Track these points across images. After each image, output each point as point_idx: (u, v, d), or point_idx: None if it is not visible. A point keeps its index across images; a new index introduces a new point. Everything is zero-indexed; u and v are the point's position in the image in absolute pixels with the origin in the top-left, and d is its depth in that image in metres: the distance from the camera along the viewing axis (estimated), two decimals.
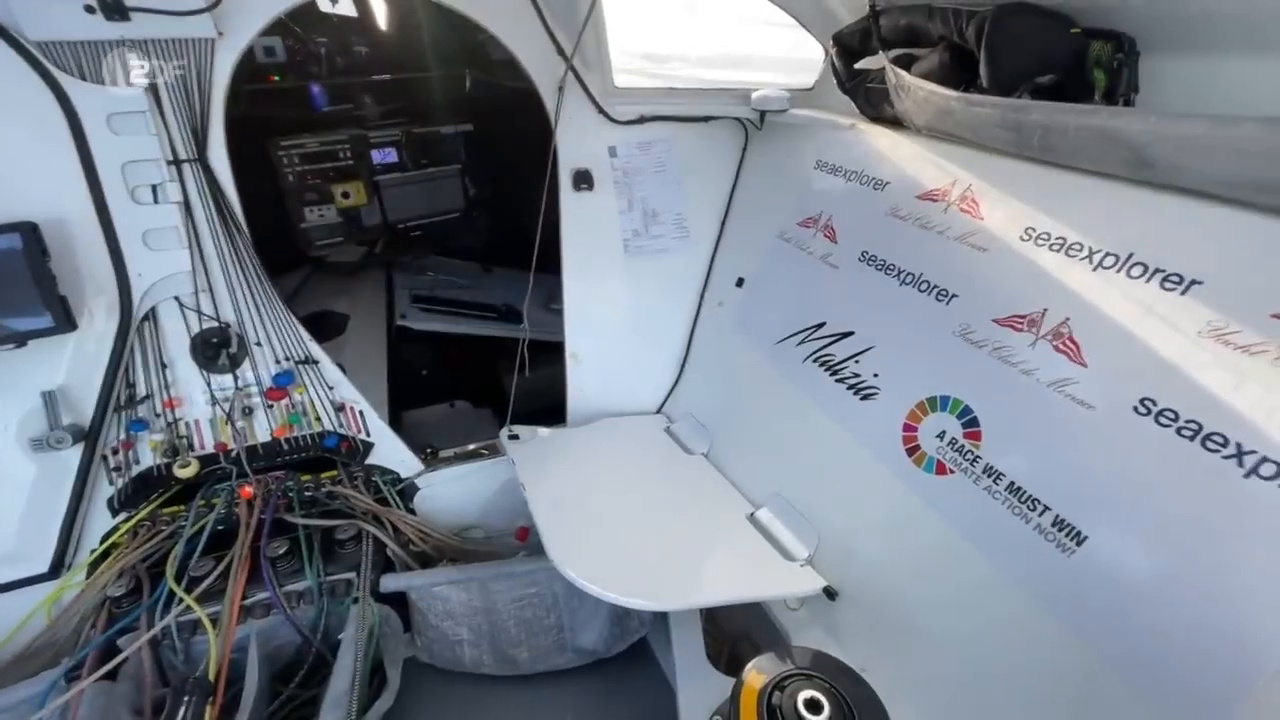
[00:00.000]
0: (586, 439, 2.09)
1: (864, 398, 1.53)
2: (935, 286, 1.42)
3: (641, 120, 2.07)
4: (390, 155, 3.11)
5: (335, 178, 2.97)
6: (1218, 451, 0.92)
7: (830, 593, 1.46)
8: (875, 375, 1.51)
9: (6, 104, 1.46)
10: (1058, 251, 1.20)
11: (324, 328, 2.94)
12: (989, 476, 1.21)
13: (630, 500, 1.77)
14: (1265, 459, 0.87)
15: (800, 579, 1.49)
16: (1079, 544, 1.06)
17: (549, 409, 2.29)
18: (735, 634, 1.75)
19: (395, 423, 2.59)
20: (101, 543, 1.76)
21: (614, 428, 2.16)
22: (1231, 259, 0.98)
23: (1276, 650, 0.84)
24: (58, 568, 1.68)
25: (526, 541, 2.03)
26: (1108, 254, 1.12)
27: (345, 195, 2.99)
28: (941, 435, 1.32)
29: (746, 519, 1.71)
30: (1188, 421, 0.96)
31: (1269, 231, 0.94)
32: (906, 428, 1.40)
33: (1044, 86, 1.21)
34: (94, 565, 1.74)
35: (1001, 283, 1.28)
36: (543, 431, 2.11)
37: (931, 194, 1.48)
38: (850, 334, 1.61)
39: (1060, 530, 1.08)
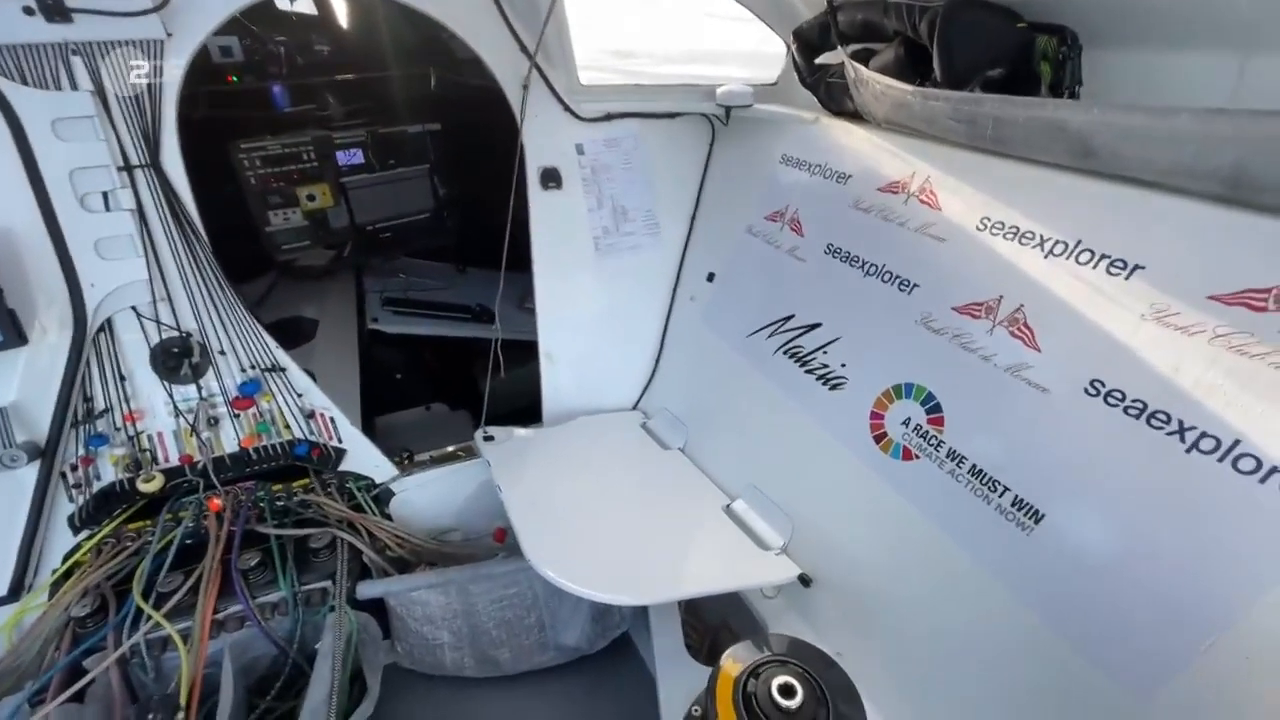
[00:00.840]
0: (563, 438, 2.09)
1: (833, 388, 1.55)
2: (898, 277, 1.45)
3: (608, 117, 2.07)
4: (356, 156, 3.05)
5: (300, 180, 2.90)
6: (1161, 429, 0.96)
7: (805, 580, 1.49)
8: (843, 365, 1.54)
9: None
10: (1011, 240, 1.24)
11: (293, 334, 2.88)
12: (952, 460, 1.25)
13: (607, 497, 1.78)
14: (1204, 434, 0.92)
15: (776, 567, 1.52)
16: (1037, 522, 1.10)
17: (526, 409, 2.29)
18: (715, 624, 1.78)
19: (369, 428, 2.56)
20: (63, 562, 1.70)
21: (590, 426, 2.16)
22: (1170, 244, 1.02)
23: (1221, 616, 0.89)
24: (17, 590, 1.63)
25: (505, 542, 2.03)
26: (1058, 241, 1.16)
27: (310, 198, 2.93)
28: (907, 422, 1.36)
29: (722, 511, 1.73)
30: (1134, 401, 1.01)
31: (1203, 216, 0.99)
32: (874, 415, 1.44)
33: (994, 80, 1.24)
34: (56, 585, 1.69)
35: (960, 272, 1.32)
36: (518, 432, 2.11)
37: (892, 186, 1.52)
38: (818, 325, 1.63)
39: (1019, 510, 1.12)
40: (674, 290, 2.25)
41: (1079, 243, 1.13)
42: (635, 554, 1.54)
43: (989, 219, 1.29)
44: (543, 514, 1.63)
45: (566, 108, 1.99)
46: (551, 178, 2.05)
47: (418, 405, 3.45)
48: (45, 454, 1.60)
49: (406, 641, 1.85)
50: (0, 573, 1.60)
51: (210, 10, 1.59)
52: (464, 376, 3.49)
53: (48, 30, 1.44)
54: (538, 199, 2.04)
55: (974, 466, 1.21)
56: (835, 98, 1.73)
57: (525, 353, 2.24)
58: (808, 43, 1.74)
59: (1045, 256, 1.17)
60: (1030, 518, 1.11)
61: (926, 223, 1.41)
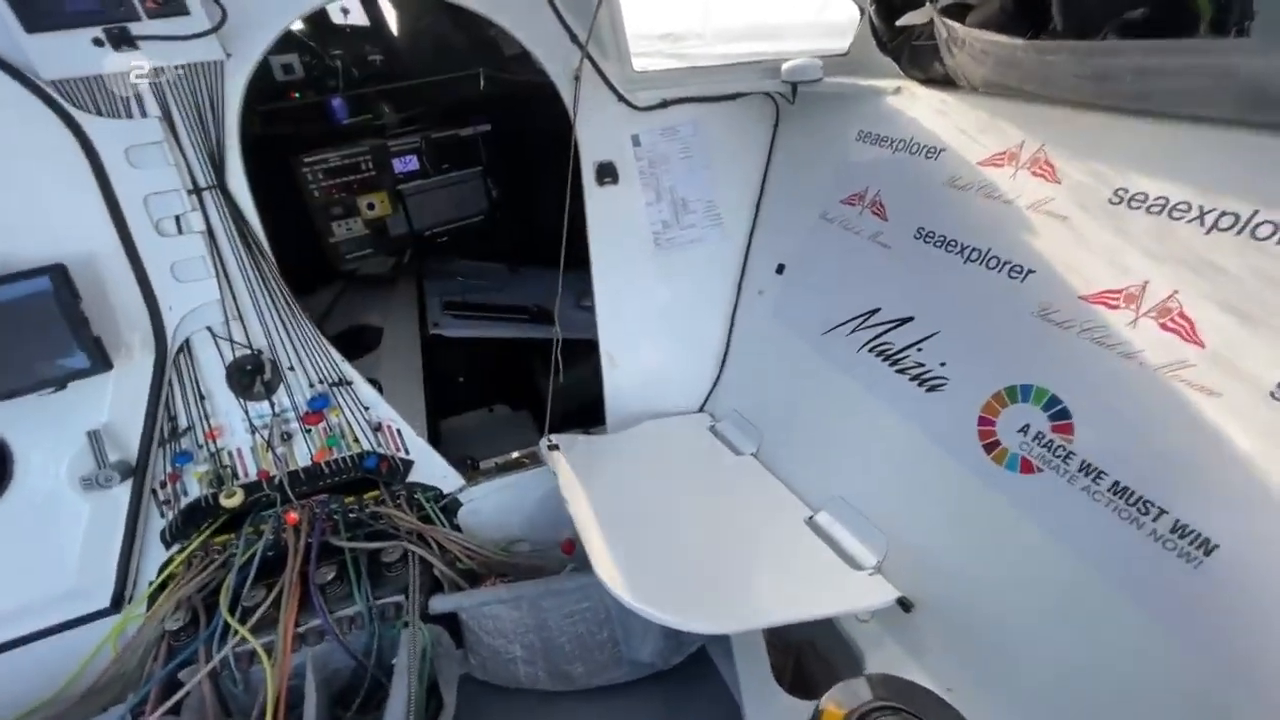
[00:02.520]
0: (628, 444, 2.01)
1: (930, 389, 1.39)
2: (1007, 262, 1.27)
3: (664, 105, 1.95)
4: (411, 163, 3.08)
5: (360, 190, 2.96)
6: None
7: (905, 604, 1.35)
8: (942, 364, 1.37)
9: (27, 146, 1.45)
10: (1159, 214, 1.04)
11: (359, 344, 2.94)
12: (1086, 475, 1.07)
13: (679, 508, 1.68)
14: None
15: (871, 590, 1.38)
16: (1207, 553, 0.91)
17: (588, 407, 2.22)
18: (799, 643, 1.65)
19: (434, 434, 2.57)
20: (159, 574, 1.77)
21: (656, 430, 2.07)
22: None
23: None
24: (119, 601, 1.71)
25: (573, 555, 1.97)
26: (1223, 213, 0.96)
27: (370, 206, 2.98)
28: (1025, 429, 1.18)
29: (805, 523, 1.60)
30: None
31: None
32: (983, 421, 1.27)
33: (1134, 22, 1.04)
34: (153, 596, 1.76)
35: (1088, 254, 1.13)
36: (583, 439, 2.04)
37: (996, 158, 1.33)
38: (909, 319, 1.47)
39: (1183, 537, 0.94)
40: (739, 284, 2.12)
41: (1255, 214, 0.93)
42: (713, 573, 1.43)
43: (1125, 191, 1.09)
44: (613, 530, 1.55)
45: (621, 98, 1.88)
46: (607, 173, 1.95)
47: (480, 407, 3.47)
48: (136, 472, 1.66)
49: (479, 654, 1.82)
50: (102, 586, 1.68)
51: (265, 27, 1.58)
52: (524, 376, 3.49)
53: (116, 59, 1.46)
54: (594, 195, 1.95)
55: (1117, 483, 1.03)
56: (921, 63, 1.54)
57: (584, 352, 2.17)
58: (887, 2, 1.56)
59: (1207, 232, 0.98)
60: (1198, 547, 0.92)
61: (1042, 198, 1.22)
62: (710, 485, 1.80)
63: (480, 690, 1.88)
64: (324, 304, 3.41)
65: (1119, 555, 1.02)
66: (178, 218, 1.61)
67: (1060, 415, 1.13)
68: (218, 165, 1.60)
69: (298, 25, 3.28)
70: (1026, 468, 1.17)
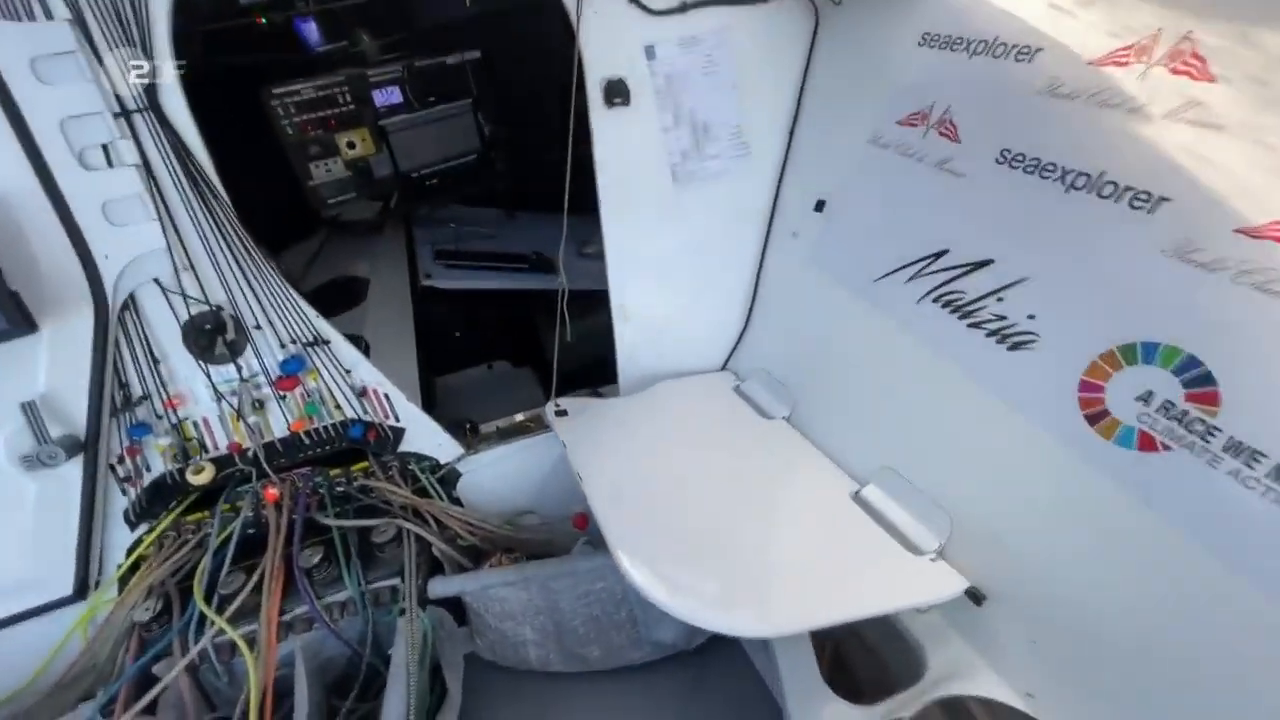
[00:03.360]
0: (645, 407, 1.79)
1: (1013, 347, 1.16)
2: (1129, 189, 1.01)
3: (683, 8, 1.63)
4: (394, 95, 2.74)
5: (338, 126, 2.64)
6: None
7: (976, 595, 1.16)
8: (1030, 317, 1.14)
9: None
10: None
11: (344, 297, 2.70)
12: (1236, 456, 0.86)
13: (705, 482, 1.48)
14: None
15: (935, 578, 1.19)
16: None
17: (595, 365, 2.00)
18: (844, 628, 1.49)
19: (429, 397, 2.37)
20: (127, 556, 1.60)
21: (675, 391, 1.85)
22: None
23: None
24: (84, 588, 1.54)
25: (587, 529, 1.80)
26: None
27: (351, 145, 2.67)
28: (1147, 397, 0.96)
29: (850, 499, 1.41)
30: None
31: None
32: (1086, 386, 1.04)
33: None
34: (125, 580, 1.59)
35: (1255, 175, 0.87)
36: (593, 403, 1.83)
37: (1119, 54, 1.05)
38: (987, 263, 1.22)
39: None
40: (769, 224, 1.85)
41: None
42: (751, 559, 1.25)
43: None
44: (633, 509, 1.36)
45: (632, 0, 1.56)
46: (617, 92, 1.65)
47: (479, 364, 3.26)
48: (86, 447, 1.45)
49: (486, 636, 1.68)
50: (61, 572, 1.51)
51: None
52: (525, 330, 3.26)
53: None
54: (602, 119, 1.65)
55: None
56: None
57: (589, 303, 1.94)
58: None
59: None
60: None
61: (1186, 102, 0.95)
62: (740, 455, 1.60)
63: (487, 670, 1.75)
64: (306, 255, 3.15)
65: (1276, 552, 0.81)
66: (105, 147, 1.34)
67: (1200, 381, 0.90)
68: (148, 83, 1.32)
69: None
70: (1147, 444, 0.96)
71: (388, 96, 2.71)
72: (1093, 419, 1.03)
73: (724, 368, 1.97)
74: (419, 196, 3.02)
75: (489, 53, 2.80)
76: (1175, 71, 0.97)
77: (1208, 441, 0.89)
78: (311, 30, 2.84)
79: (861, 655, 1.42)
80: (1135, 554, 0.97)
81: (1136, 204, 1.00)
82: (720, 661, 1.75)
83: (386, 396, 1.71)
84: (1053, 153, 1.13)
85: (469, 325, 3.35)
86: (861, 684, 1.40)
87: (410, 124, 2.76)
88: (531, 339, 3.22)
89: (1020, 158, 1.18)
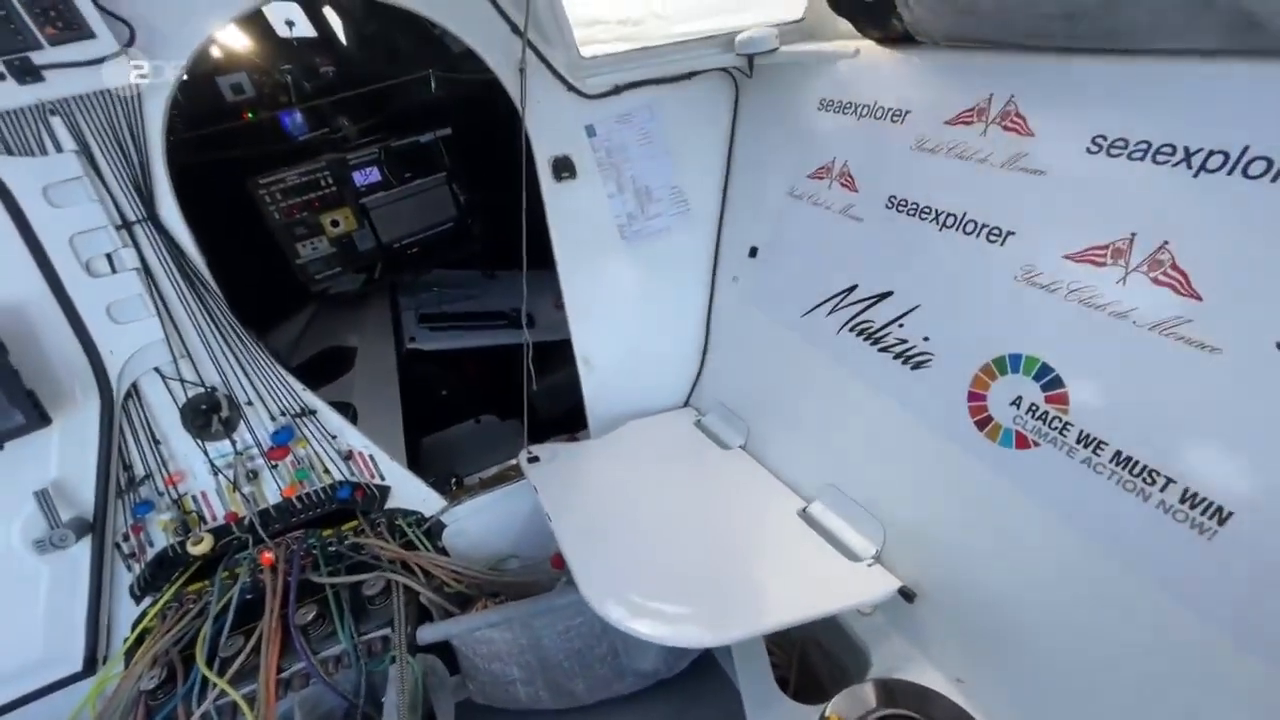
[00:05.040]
0: (611, 449, 1.93)
1: (915, 366, 1.32)
2: (984, 226, 1.19)
3: (616, 90, 1.86)
4: (373, 174, 2.98)
5: (322, 207, 2.87)
6: None
7: (907, 594, 1.28)
8: (925, 339, 1.30)
9: None
10: (1141, 160, 0.96)
11: (332, 366, 2.85)
12: (1086, 446, 1.00)
13: (667, 512, 1.61)
14: None
15: (871, 581, 1.31)
16: (1221, 523, 0.84)
17: (577, 409, 2.13)
18: (802, 641, 1.59)
19: (415, 454, 2.49)
20: (133, 630, 1.69)
21: (640, 431, 1.99)
22: None
23: None
24: (92, 663, 1.63)
25: (564, 568, 1.90)
26: (1212, 152, 0.88)
27: (335, 223, 2.89)
28: (1017, 402, 1.11)
29: (798, 516, 1.53)
30: None
31: None
32: (973, 396, 1.19)
33: None
34: (130, 653, 1.68)
35: (1070, 209, 1.05)
36: (564, 447, 1.96)
37: (965, 115, 1.24)
38: (888, 294, 1.39)
39: (1193, 507, 0.87)
40: (714, 271, 2.04)
41: (1245, 150, 0.85)
42: (706, 579, 1.36)
43: (1104, 138, 1.01)
44: (598, 544, 1.48)
45: (570, 87, 1.78)
46: (564, 167, 1.86)
47: (466, 419, 3.38)
48: (95, 528, 1.57)
49: (477, 679, 1.76)
50: (71, 649, 1.61)
51: (177, 45, 1.47)
52: (509, 384, 3.40)
53: (21, 93, 1.36)
54: (552, 192, 1.86)
55: (1119, 454, 0.96)
56: (878, 21, 1.45)
57: (568, 353, 2.09)
58: None
59: (1195, 174, 0.90)
60: (1211, 517, 0.85)
61: (1016, 154, 1.14)
62: (699, 484, 1.73)
63: (481, 714, 1.82)
64: (297, 329, 3.32)
65: (1126, 529, 0.95)
66: (109, 256, 1.52)
67: (1053, 384, 1.06)
68: (146, 197, 1.51)
69: (243, 43, 3.17)
70: (1021, 442, 1.10)
71: (367, 176, 2.94)
72: (981, 424, 1.18)
73: (686, 404, 2.11)
74: (401, 265, 3.22)
75: (459, 128, 3.05)
76: (1005, 129, 1.16)
77: (1065, 435, 1.03)
78: (296, 121, 3.10)
79: (822, 662, 1.51)
80: (1023, 541, 1.10)
81: (991, 238, 1.18)
82: (706, 686, 1.83)
83: (371, 457, 1.85)
84: (926, 197, 1.32)
85: (455, 383, 3.49)
86: (825, 686, 1.49)
87: (390, 200, 2.99)
88: (516, 391, 3.36)
89: (904, 203, 1.37)
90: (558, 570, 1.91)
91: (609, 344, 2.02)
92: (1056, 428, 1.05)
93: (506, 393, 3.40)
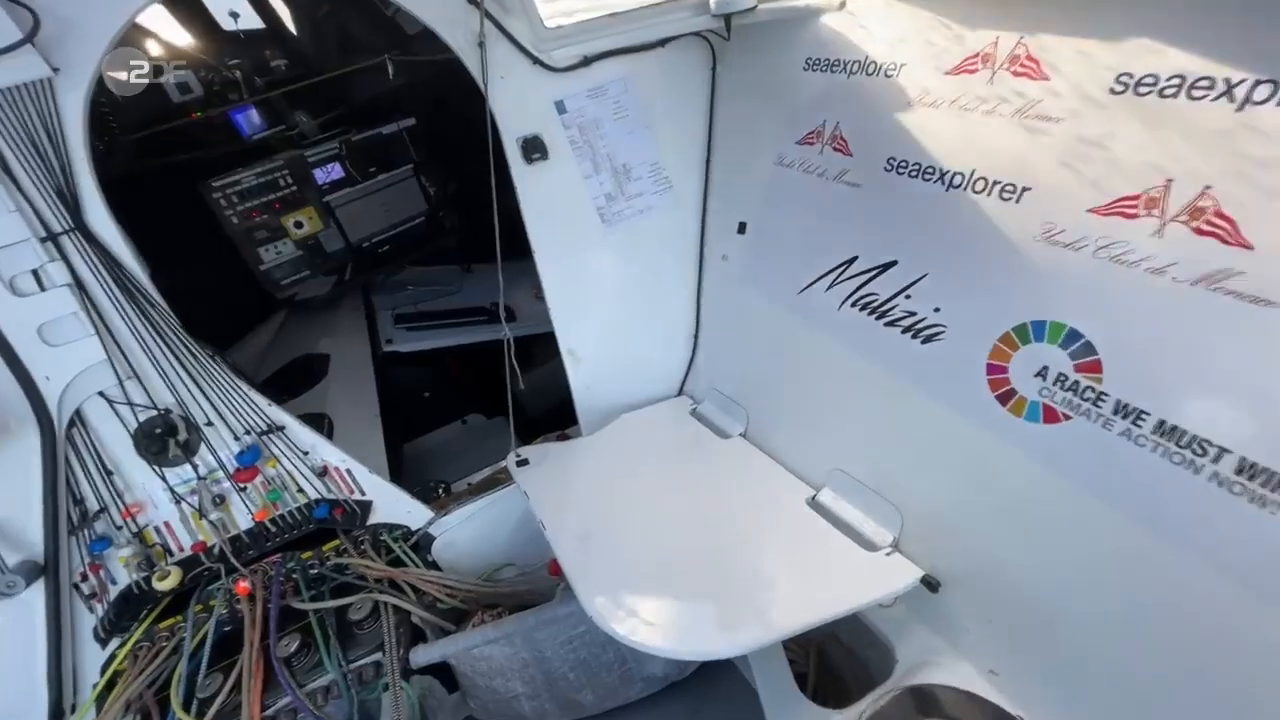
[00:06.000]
0: (605, 445, 1.83)
1: (926, 340, 1.22)
2: (995, 183, 1.09)
3: (586, 62, 1.72)
4: (335, 171, 2.82)
5: (283, 208, 2.70)
6: None
7: (931, 583, 1.20)
8: (936, 310, 1.20)
9: None
10: (1173, 96, 0.86)
11: (303, 376, 2.71)
12: (1125, 417, 0.92)
13: (668, 509, 1.51)
14: None
15: (891, 572, 1.23)
16: None
17: (565, 404, 2.03)
18: (819, 636, 1.51)
19: (398, 462, 2.37)
20: (102, 674, 1.57)
21: (634, 424, 1.89)
22: None
23: None
24: (59, 716, 1.50)
25: (562, 575, 1.80)
26: (1260, 82, 0.78)
27: (298, 225, 2.73)
28: (1044, 373, 1.02)
29: (807, 504, 1.45)
30: None
31: None
32: (992, 369, 1.10)
33: None
34: (102, 700, 1.56)
35: (1094, 158, 0.95)
36: (554, 447, 1.85)
37: (968, 63, 1.14)
38: (893, 264, 1.29)
39: (1252, 478, 0.79)
40: (700, 251, 1.92)
41: None
42: (715, 581, 1.27)
43: (1130, 75, 0.91)
44: (599, 552, 1.38)
45: (535, 60, 1.65)
46: (534, 148, 1.73)
47: (452, 421, 3.26)
48: (47, 571, 1.44)
49: (478, 698, 1.66)
50: (36, 702, 1.48)
51: (95, 33, 1.31)
52: (494, 381, 3.29)
53: None
54: (524, 176, 1.72)
55: (1163, 423, 0.88)
56: None
57: (553, 345, 1.98)
58: None
59: (1239, 108, 0.80)
60: (1274, 489, 0.77)
61: (1029, 101, 1.04)
62: (699, 477, 1.63)
63: None
64: (265, 339, 3.16)
65: (1175, 506, 0.87)
66: (35, 272, 1.37)
67: (1083, 351, 0.97)
68: (71, 204, 1.36)
69: (186, 39, 2.96)
70: (1050, 416, 1.02)
71: (329, 173, 2.78)
72: (1003, 399, 1.09)
73: (680, 392, 2.01)
74: (373, 265, 3.07)
75: (424, 116, 2.89)
76: (1016, 74, 1.06)
77: (1099, 407, 0.95)
78: (250, 118, 2.90)
79: (842, 657, 1.44)
80: (1058, 521, 1.02)
81: (1005, 195, 1.08)
82: (719, 687, 1.75)
83: (349, 472, 1.72)
84: (930, 156, 1.21)
85: (437, 384, 3.36)
86: (848, 683, 1.42)
87: (355, 196, 2.83)
88: (502, 387, 3.24)
89: (904, 163, 1.27)
90: (556, 578, 1.81)
91: (594, 335, 1.91)
92: (1089, 398, 0.96)
93: (491, 390, 3.29)
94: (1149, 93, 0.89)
